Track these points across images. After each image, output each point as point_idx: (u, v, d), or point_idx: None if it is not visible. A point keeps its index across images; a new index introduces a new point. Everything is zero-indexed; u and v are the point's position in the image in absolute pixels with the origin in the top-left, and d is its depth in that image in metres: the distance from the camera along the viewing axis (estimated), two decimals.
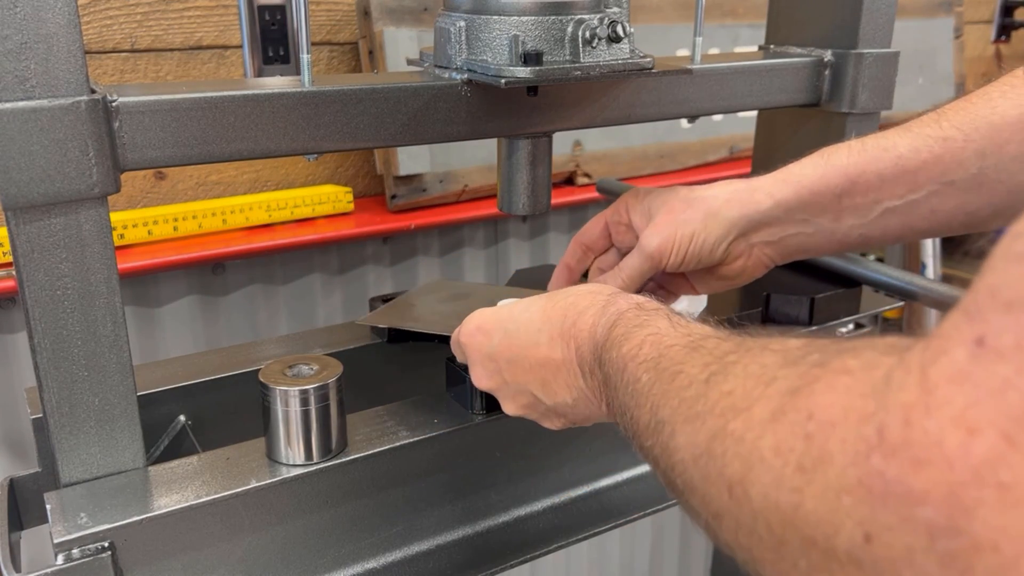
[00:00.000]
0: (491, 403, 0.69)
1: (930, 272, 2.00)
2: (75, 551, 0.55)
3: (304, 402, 0.62)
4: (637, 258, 0.71)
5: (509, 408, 0.63)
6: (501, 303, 0.68)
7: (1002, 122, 0.62)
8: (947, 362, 0.26)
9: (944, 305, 0.80)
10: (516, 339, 0.60)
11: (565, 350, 0.56)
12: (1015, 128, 0.62)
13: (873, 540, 0.28)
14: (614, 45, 0.67)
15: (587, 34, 0.66)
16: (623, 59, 0.68)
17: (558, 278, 0.79)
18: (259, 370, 0.64)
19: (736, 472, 0.35)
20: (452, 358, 0.72)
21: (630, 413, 0.47)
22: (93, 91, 0.55)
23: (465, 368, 0.67)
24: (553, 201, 0.81)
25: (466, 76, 0.67)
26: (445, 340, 0.75)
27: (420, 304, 0.85)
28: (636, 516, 0.78)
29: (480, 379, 0.64)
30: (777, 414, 0.33)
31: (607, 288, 0.59)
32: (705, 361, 0.41)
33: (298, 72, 0.65)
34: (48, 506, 0.58)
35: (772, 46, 0.96)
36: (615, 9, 0.69)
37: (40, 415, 0.60)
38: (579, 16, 0.66)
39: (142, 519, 0.57)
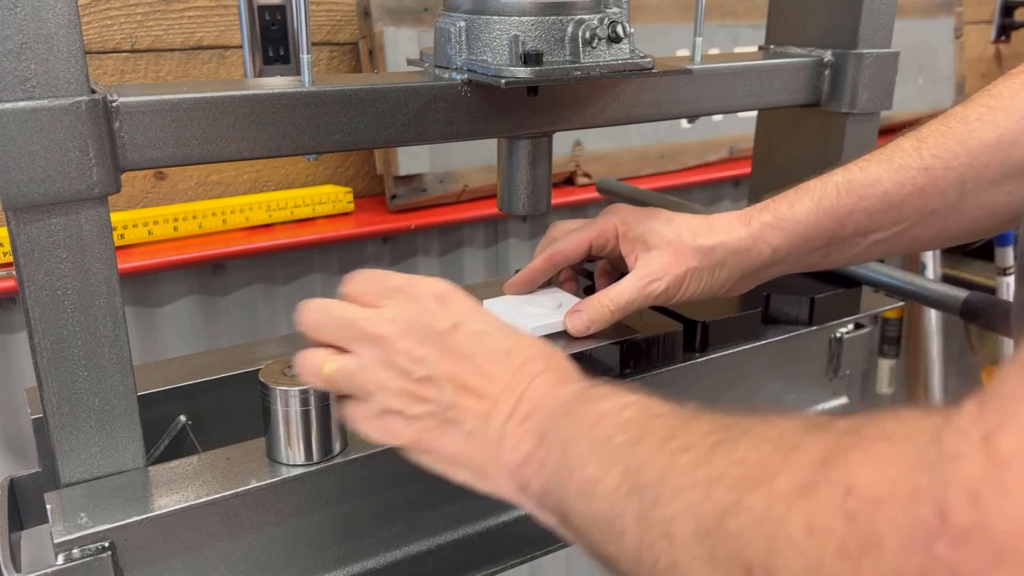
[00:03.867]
0: None
1: (930, 272, 2.00)
2: (75, 551, 0.55)
3: (304, 402, 0.62)
4: (636, 293, 0.68)
5: (386, 383, 0.52)
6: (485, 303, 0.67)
7: (980, 146, 0.62)
8: (1017, 430, 0.23)
9: (944, 305, 0.80)
10: (479, 337, 0.52)
11: (501, 384, 0.49)
12: (993, 152, 0.62)
13: None
14: (614, 45, 0.67)
15: (587, 34, 0.66)
16: (623, 59, 0.68)
17: (519, 284, 0.75)
18: (259, 370, 0.64)
19: (757, 555, 0.30)
20: None
21: (583, 471, 0.41)
22: (93, 91, 0.55)
23: None
24: (553, 201, 0.81)
25: (466, 76, 0.67)
26: None
27: None
28: None
29: (357, 374, 0.52)
30: (807, 488, 0.29)
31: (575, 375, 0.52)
32: (707, 429, 0.37)
33: (298, 72, 0.65)
34: (48, 506, 0.58)
35: (772, 46, 0.96)
36: (615, 9, 0.69)
37: (40, 415, 0.60)
38: (579, 16, 0.66)
39: (142, 519, 0.57)
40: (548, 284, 0.78)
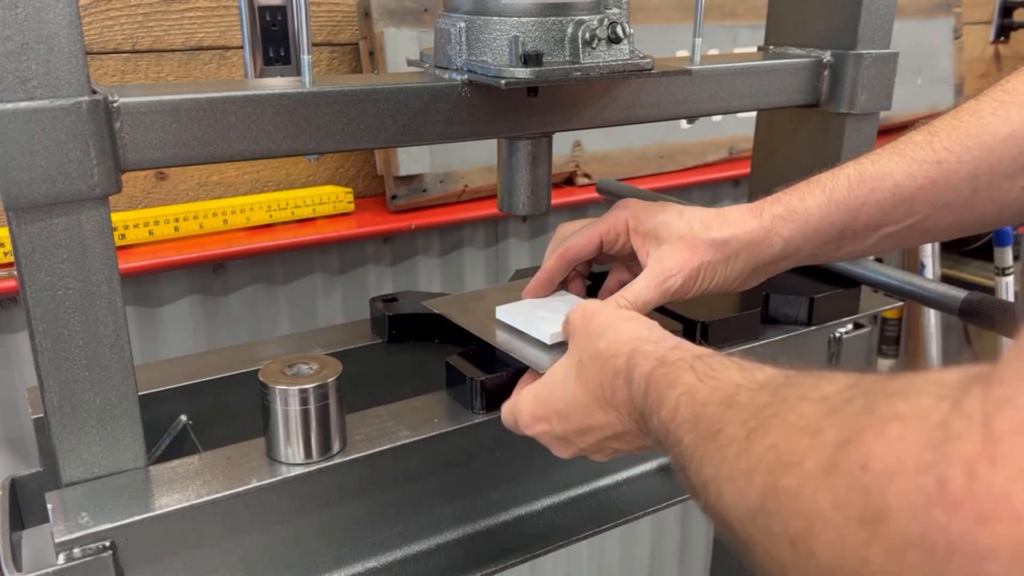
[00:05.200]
0: (491, 403, 0.70)
1: (929, 272, 2.00)
2: (76, 550, 0.55)
3: (304, 401, 0.62)
4: (654, 292, 0.69)
5: (595, 457, 0.64)
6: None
7: (993, 141, 0.62)
8: (1012, 411, 0.26)
9: (943, 305, 0.81)
10: (574, 419, 0.60)
11: (619, 416, 0.57)
12: (1006, 146, 0.62)
13: None
14: (614, 46, 0.67)
15: (587, 35, 0.66)
16: (623, 60, 0.68)
17: (537, 288, 0.76)
18: (259, 370, 0.64)
19: (798, 529, 0.34)
20: (452, 358, 0.72)
21: (682, 473, 0.47)
22: (94, 92, 0.55)
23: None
24: (553, 201, 0.82)
25: (466, 77, 0.67)
26: (446, 341, 0.75)
27: (487, 299, 0.81)
28: (635, 516, 0.78)
29: (562, 453, 0.64)
30: (829, 468, 0.32)
31: (623, 344, 0.58)
32: (743, 418, 0.41)
33: (299, 73, 0.65)
34: (49, 506, 0.58)
35: (771, 47, 0.96)
36: (615, 10, 0.69)
37: (41, 415, 0.60)
38: (579, 17, 0.66)
39: (143, 518, 0.57)
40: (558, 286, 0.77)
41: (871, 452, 0.30)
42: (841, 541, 0.31)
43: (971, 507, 0.26)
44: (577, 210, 1.51)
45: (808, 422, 0.35)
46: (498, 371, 0.70)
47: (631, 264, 0.75)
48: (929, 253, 2.02)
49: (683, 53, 1.53)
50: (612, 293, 0.70)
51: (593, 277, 0.81)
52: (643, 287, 0.68)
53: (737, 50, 1.64)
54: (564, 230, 0.76)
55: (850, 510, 0.31)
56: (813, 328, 0.87)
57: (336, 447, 0.64)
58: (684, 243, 0.69)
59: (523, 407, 0.64)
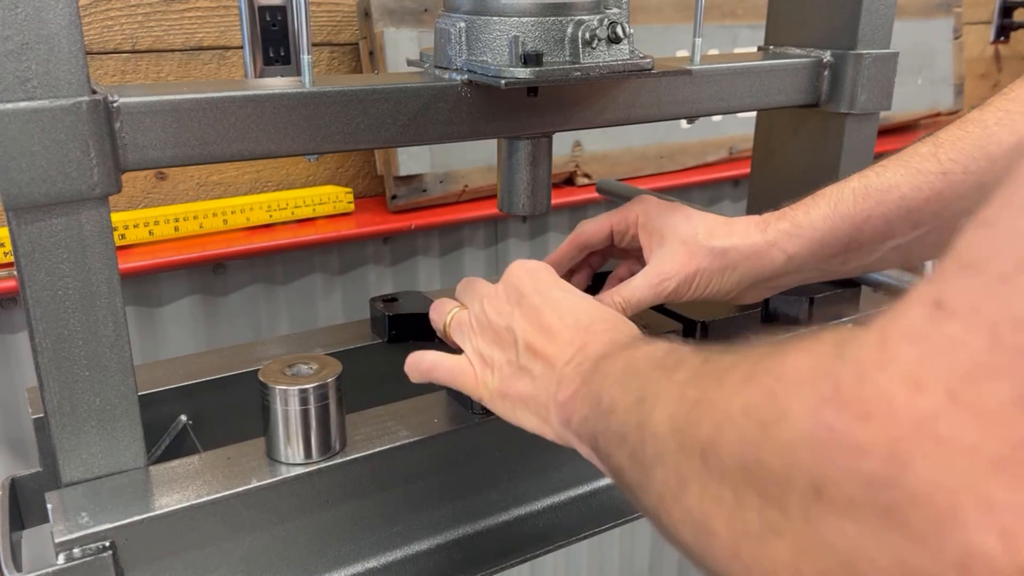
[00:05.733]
0: None
1: (929, 271, 2.00)
2: (76, 550, 0.55)
3: (303, 401, 0.62)
4: (648, 292, 0.70)
5: (478, 331, 0.62)
6: None
7: (999, 151, 0.62)
8: (904, 321, 0.27)
9: None
10: (555, 301, 0.60)
11: (576, 335, 0.56)
12: (1011, 156, 0.62)
13: (822, 493, 0.28)
14: (614, 46, 0.67)
15: (587, 35, 0.66)
16: (623, 60, 0.68)
17: None
18: (259, 370, 0.64)
19: (708, 435, 0.35)
20: None
21: (609, 395, 0.47)
22: (94, 92, 0.55)
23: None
24: (553, 201, 0.82)
25: (466, 77, 0.67)
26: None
27: None
28: (636, 516, 0.78)
29: (496, 300, 0.62)
30: (749, 376, 0.34)
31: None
32: (706, 355, 0.41)
33: (299, 73, 0.65)
34: (49, 506, 0.58)
35: (771, 47, 0.96)
36: (615, 10, 0.69)
37: (41, 415, 0.60)
38: (579, 17, 0.66)
39: (143, 519, 0.57)
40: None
41: (786, 362, 0.32)
42: (741, 442, 0.33)
43: (856, 407, 0.27)
44: (577, 210, 1.51)
45: (754, 348, 0.37)
46: None
47: (640, 259, 0.76)
48: None
49: (683, 53, 1.53)
50: (621, 280, 0.73)
51: (597, 278, 0.83)
52: (638, 286, 0.70)
53: (737, 50, 1.64)
54: (583, 225, 0.79)
55: (756, 413, 0.32)
56: (813, 328, 0.87)
57: (336, 447, 0.64)
58: (685, 247, 0.70)
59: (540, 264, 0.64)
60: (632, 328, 0.58)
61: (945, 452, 0.24)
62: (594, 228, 0.77)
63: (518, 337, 0.59)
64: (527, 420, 0.58)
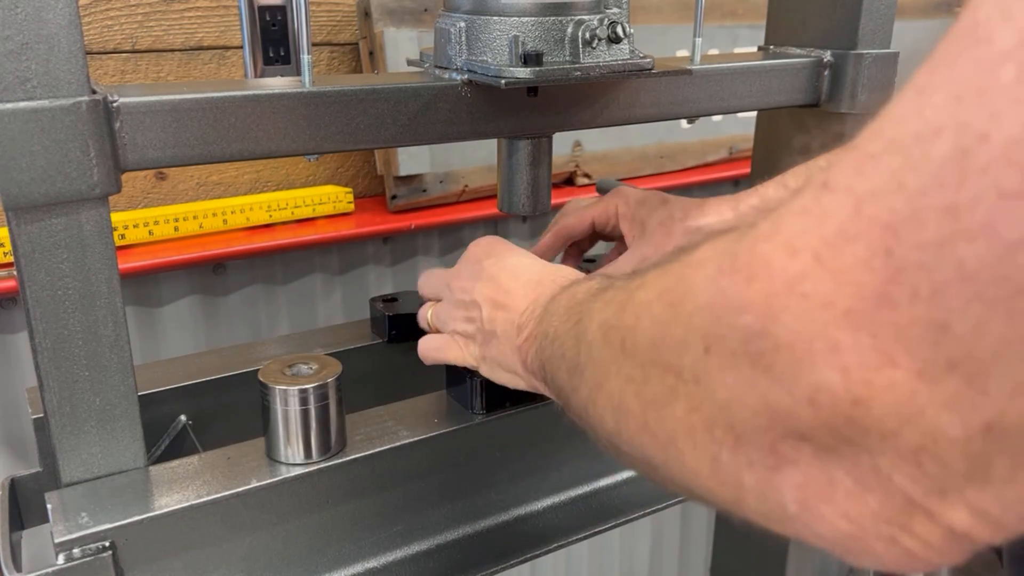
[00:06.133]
0: (491, 403, 0.70)
1: None
2: (76, 551, 0.55)
3: (303, 401, 0.62)
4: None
5: (452, 314, 0.67)
6: None
7: None
8: (797, 202, 0.30)
9: None
10: (512, 267, 0.65)
11: (533, 292, 0.60)
12: None
13: (710, 351, 0.32)
14: (614, 46, 0.67)
15: (587, 35, 0.66)
16: (623, 60, 0.68)
17: None
18: (259, 370, 0.64)
19: (629, 324, 0.39)
20: None
21: (554, 327, 0.51)
22: (94, 91, 0.55)
23: (467, 372, 0.69)
24: (553, 201, 0.82)
25: (466, 77, 0.67)
26: None
27: None
28: (636, 516, 0.78)
29: (460, 279, 0.67)
30: (666, 269, 0.37)
31: None
32: (637, 270, 0.45)
33: (298, 73, 0.65)
34: (49, 506, 0.58)
35: (772, 47, 0.96)
36: (615, 10, 0.69)
37: (41, 415, 0.60)
38: (579, 17, 0.66)
39: (143, 519, 0.57)
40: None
41: (697, 251, 0.35)
42: (653, 323, 0.36)
43: (744, 272, 0.30)
44: None
45: (661, 259, 0.40)
46: None
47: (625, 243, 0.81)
48: None
49: (683, 53, 1.53)
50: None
51: (588, 260, 0.88)
52: (617, 268, 0.75)
53: (737, 50, 1.64)
54: (569, 206, 0.84)
55: (667, 296, 0.35)
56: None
57: (336, 447, 0.64)
58: (662, 229, 0.75)
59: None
60: (580, 275, 0.61)
61: (807, 306, 0.28)
62: (575, 221, 0.81)
63: (482, 306, 0.63)
64: (503, 376, 0.62)
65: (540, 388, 0.57)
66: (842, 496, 0.29)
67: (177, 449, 0.76)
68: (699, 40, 0.84)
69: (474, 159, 1.37)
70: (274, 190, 1.31)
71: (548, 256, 0.82)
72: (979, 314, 0.24)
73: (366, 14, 1.27)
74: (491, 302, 0.62)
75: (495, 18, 0.66)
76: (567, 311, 0.50)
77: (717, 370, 0.31)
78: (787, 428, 0.29)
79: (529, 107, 0.72)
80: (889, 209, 0.26)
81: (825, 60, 0.89)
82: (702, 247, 0.35)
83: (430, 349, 0.69)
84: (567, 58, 0.67)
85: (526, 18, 0.65)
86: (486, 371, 0.64)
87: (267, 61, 1.11)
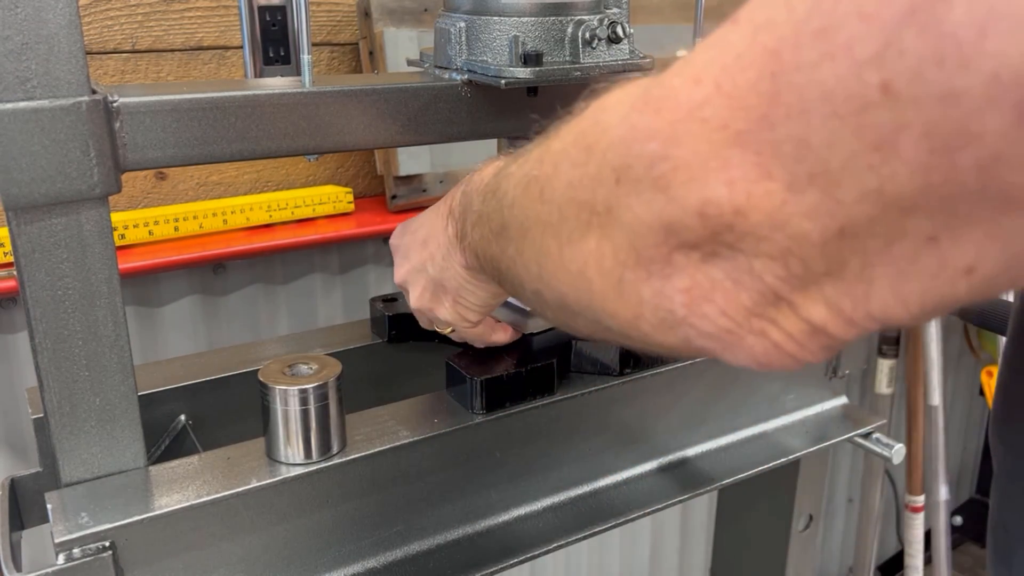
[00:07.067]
0: (491, 403, 0.70)
1: None
2: (76, 551, 0.55)
3: (303, 401, 0.62)
4: None
5: (415, 295, 0.69)
6: None
7: None
8: (711, 36, 0.31)
9: None
10: (418, 228, 0.67)
11: (441, 215, 0.63)
12: None
13: (620, 181, 0.33)
14: (614, 46, 0.67)
15: (587, 35, 0.66)
16: (623, 60, 0.68)
17: None
18: (259, 370, 0.64)
19: (547, 174, 0.40)
20: (452, 358, 0.72)
21: (475, 213, 0.53)
22: (94, 91, 0.55)
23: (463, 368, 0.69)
24: None
25: (466, 77, 0.67)
26: (446, 340, 0.75)
27: None
28: (636, 516, 0.78)
29: (398, 268, 0.70)
30: (578, 116, 0.39)
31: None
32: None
33: (298, 73, 0.65)
34: (49, 506, 0.58)
35: None
36: (615, 10, 0.69)
37: (41, 415, 0.60)
38: (579, 17, 0.66)
39: (143, 519, 0.57)
40: None
41: (609, 96, 0.36)
42: (571, 167, 0.37)
43: (653, 105, 0.32)
44: None
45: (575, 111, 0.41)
46: (498, 371, 0.70)
47: None
48: None
49: (683, 53, 1.53)
50: None
51: None
52: None
53: None
54: None
55: (583, 140, 0.37)
56: None
57: (336, 447, 0.64)
58: None
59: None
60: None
61: (705, 129, 0.30)
62: None
63: (429, 272, 0.65)
64: (480, 296, 0.64)
65: (496, 287, 0.59)
66: (721, 295, 0.32)
67: (177, 449, 0.76)
68: (699, 40, 0.84)
69: (474, 159, 1.36)
70: (274, 190, 1.31)
71: None
72: (833, 129, 0.27)
73: (366, 14, 1.27)
74: (419, 252, 0.65)
75: (495, 18, 0.66)
76: (483, 192, 0.51)
77: (624, 197, 0.33)
78: (680, 240, 0.32)
79: (529, 107, 0.72)
80: (778, 36, 0.28)
81: None
82: (614, 92, 0.36)
83: (462, 334, 0.71)
84: (567, 58, 0.67)
85: (526, 18, 0.65)
86: (468, 310, 0.66)
87: (267, 61, 1.11)
